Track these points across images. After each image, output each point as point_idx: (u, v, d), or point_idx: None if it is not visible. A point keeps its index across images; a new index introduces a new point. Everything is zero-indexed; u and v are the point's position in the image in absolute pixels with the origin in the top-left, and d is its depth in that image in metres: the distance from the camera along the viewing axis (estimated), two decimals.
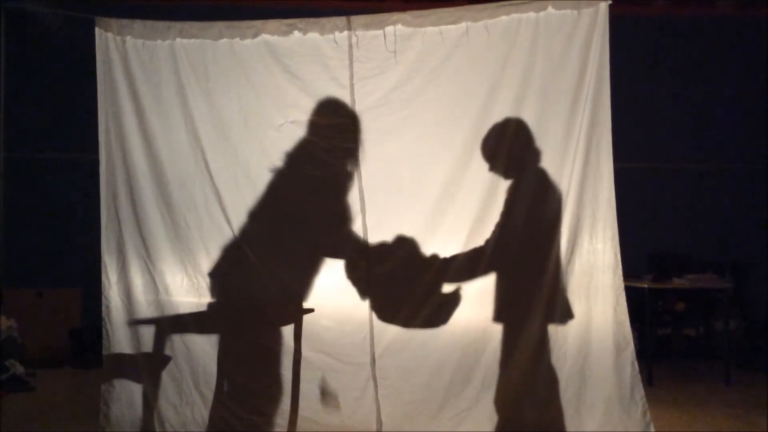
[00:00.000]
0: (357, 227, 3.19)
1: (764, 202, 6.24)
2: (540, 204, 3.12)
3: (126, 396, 3.18)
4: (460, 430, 3.11)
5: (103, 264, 3.22)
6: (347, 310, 3.19)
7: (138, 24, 3.24)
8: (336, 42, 3.19)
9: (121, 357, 3.18)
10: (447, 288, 3.16)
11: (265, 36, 3.21)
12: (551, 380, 3.06)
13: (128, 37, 3.23)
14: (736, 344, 5.72)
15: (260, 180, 3.20)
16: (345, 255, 3.19)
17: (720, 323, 5.67)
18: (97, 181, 3.25)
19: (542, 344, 3.07)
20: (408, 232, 3.20)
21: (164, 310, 3.21)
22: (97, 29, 3.24)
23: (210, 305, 3.19)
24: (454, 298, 3.15)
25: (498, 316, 3.13)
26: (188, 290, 3.20)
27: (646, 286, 5.03)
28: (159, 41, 3.23)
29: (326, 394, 3.15)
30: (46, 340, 5.54)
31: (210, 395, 3.13)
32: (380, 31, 3.18)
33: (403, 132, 3.21)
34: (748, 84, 6.36)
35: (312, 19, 3.20)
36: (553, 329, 3.09)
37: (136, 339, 3.21)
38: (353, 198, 3.20)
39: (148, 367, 3.18)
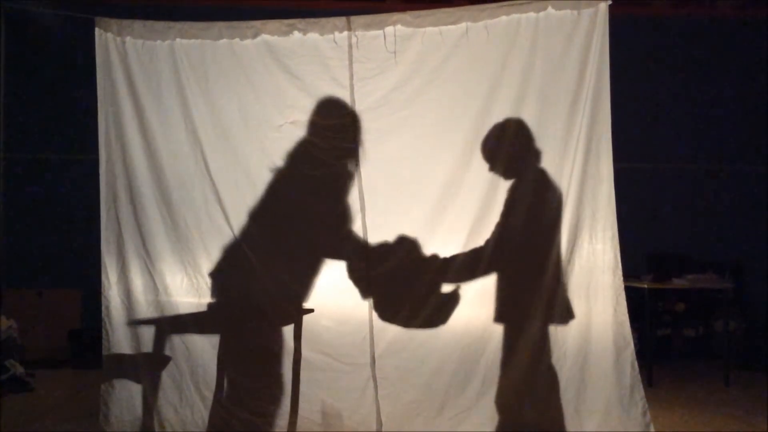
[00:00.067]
0: (357, 227, 3.19)
1: (764, 202, 6.24)
2: (540, 204, 3.12)
3: (126, 396, 3.19)
4: (460, 430, 3.11)
5: (102, 264, 3.23)
6: (347, 310, 3.19)
7: (138, 24, 3.24)
8: (336, 42, 3.19)
9: (120, 357, 3.18)
10: (447, 288, 3.16)
11: (264, 36, 3.21)
12: (551, 380, 3.06)
13: (128, 38, 3.23)
14: (735, 344, 5.71)
15: (260, 180, 3.20)
16: (345, 255, 3.19)
17: (720, 323, 5.67)
18: (97, 181, 3.25)
19: (542, 344, 3.07)
20: (408, 232, 3.20)
21: (164, 310, 3.21)
22: (96, 29, 3.24)
23: (210, 305, 3.18)
24: (454, 298, 3.15)
25: (498, 317, 3.13)
26: (188, 290, 3.20)
27: (645, 286, 5.02)
28: (159, 41, 3.23)
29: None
30: (46, 340, 5.53)
31: (210, 396, 3.13)
32: (380, 32, 3.18)
33: (403, 132, 3.21)
34: (748, 84, 6.37)
35: (312, 20, 3.20)
36: (553, 329, 3.09)
37: (135, 339, 3.21)
38: (353, 198, 3.20)
39: (148, 367, 3.19)
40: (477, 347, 3.14)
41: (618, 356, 3.07)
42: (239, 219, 3.19)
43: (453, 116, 3.20)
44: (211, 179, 3.22)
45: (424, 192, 3.22)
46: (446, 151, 3.20)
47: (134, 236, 3.23)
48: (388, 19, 3.17)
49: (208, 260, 3.20)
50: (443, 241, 3.19)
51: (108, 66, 3.24)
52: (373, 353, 3.18)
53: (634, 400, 3.05)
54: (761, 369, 5.37)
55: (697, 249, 6.10)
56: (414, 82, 3.18)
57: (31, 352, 5.19)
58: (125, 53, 3.23)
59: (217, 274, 3.18)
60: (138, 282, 3.22)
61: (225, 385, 3.12)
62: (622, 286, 3.10)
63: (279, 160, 3.20)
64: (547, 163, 3.13)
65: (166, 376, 3.18)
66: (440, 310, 3.16)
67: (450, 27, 3.15)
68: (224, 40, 3.23)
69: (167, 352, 3.18)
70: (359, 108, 3.19)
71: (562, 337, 3.09)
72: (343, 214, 3.20)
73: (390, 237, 3.20)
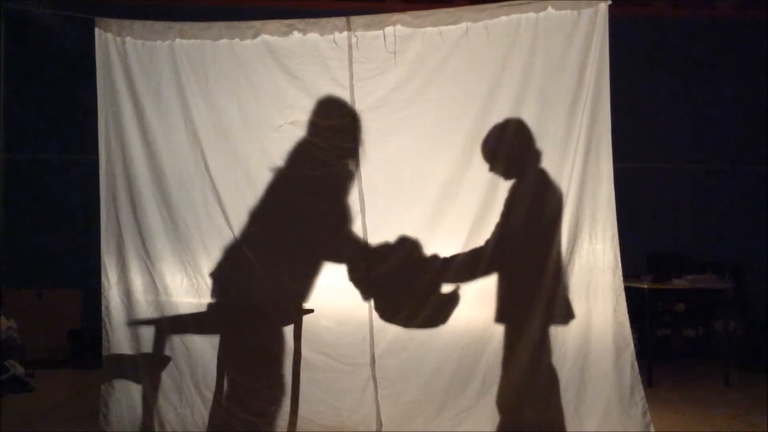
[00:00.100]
0: (357, 228, 3.19)
1: (764, 202, 6.24)
2: (540, 204, 3.11)
3: (126, 397, 3.18)
4: (460, 430, 3.11)
5: (102, 264, 3.22)
6: (347, 310, 3.19)
7: (138, 24, 3.24)
8: (336, 42, 3.18)
9: (120, 358, 3.18)
10: (447, 288, 3.16)
11: (264, 36, 3.21)
12: (551, 381, 3.06)
13: (128, 38, 3.23)
14: (735, 345, 5.72)
15: (260, 180, 3.19)
16: (345, 255, 3.19)
17: (720, 324, 5.68)
18: (97, 181, 3.25)
19: (542, 345, 3.07)
20: (408, 233, 3.20)
21: (164, 310, 3.20)
22: (96, 30, 3.24)
23: (210, 306, 3.18)
24: (454, 299, 3.15)
25: (498, 317, 3.13)
26: (188, 291, 3.20)
27: (645, 286, 5.02)
28: (159, 42, 3.23)
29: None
30: (46, 340, 5.53)
31: (210, 396, 3.13)
32: (380, 32, 3.17)
33: (403, 132, 3.21)
34: (748, 84, 6.37)
35: (312, 20, 3.20)
36: (553, 330, 3.09)
37: (135, 340, 3.20)
38: (353, 198, 3.20)
39: (148, 367, 3.18)
40: (477, 347, 3.14)
41: (618, 356, 3.06)
42: (239, 219, 3.19)
43: (453, 116, 3.20)
44: (211, 179, 3.21)
45: (424, 192, 3.21)
46: (446, 151, 3.20)
47: (134, 236, 3.23)
48: (387, 20, 3.17)
49: (208, 260, 3.20)
50: (443, 241, 3.18)
51: (108, 66, 3.24)
52: (373, 353, 3.18)
53: (634, 400, 3.05)
54: (761, 369, 5.36)
55: (697, 249, 6.11)
56: (414, 83, 3.18)
57: (31, 352, 5.19)
58: (125, 53, 3.23)
59: (217, 275, 3.18)
60: (138, 282, 3.22)
61: (225, 385, 3.11)
62: (622, 286, 3.10)
63: (279, 160, 3.20)
64: (547, 163, 3.13)
65: (166, 376, 3.17)
66: (440, 310, 3.16)
67: (450, 27, 3.15)
68: (224, 41, 3.22)
69: (167, 352, 3.18)
70: (359, 108, 3.19)
71: (562, 338, 3.09)
72: (343, 215, 3.19)
73: (390, 237, 3.20)
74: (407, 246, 3.19)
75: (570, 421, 3.05)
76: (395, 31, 3.16)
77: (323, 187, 3.23)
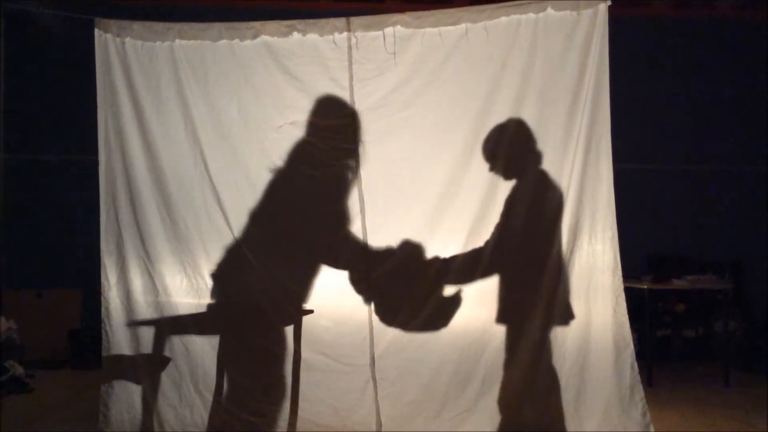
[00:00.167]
0: (356, 228, 3.19)
1: (764, 202, 6.24)
2: (540, 204, 3.11)
3: (125, 397, 3.18)
4: (460, 431, 3.11)
5: (102, 265, 3.22)
6: (347, 311, 3.19)
7: (137, 25, 3.24)
8: (335, 43, 3.18)
9: (120, 358, 3.18)
10: (447, 290, 3.16)
11: (264, 37, 3.21)
12: (551, 381, 3.06)
13: (127, 39, 3.23)
14: (735, 345, 5.72)
15: (260, 181, 3.19)
16: (345, 256, 3.19)
17: (720, 324, 5.67)
18: (97, 181, 3.25)
19: (542, 345, 3.07)
20: (408, 233, 3.20)
21: (164, 311, 3.20)
22: (96, 30, 3.24)
23: (209, 306, 3.18)
24: (455, 300, 3.15)
25: (498, 317, 3.13)
26: (187, 291, 3.20)
27: (645, 287, 5.02)
28: (158, 42, 3.23)
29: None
30: (46, 341, 5.53)
31: (209, 396, 3.13)
32: (380, 33, 3.17)
33: (403, 133, 3.21)
34: (748, 84, 6.37)
35: (311, 21, 3.20)
36: (553, 330, 3.09)
37: (135, 340, 3.20)
38: (353, 199, 3.20)
39: (148, 368, 3.18)
40: (477, 348, 3.14)
41: (618, 357, 3.07)
42: (239, 220, 3.19)
43: (453, 117, 3.20)
44: (211, 180, 3.21)
45: (424, 192, 3.21)
46: (446, 151, 3.20)
47: (134, 237, 3.23)
48: (387, 20, 3.17)
49: (207, 261, 3.20)
50: (443, 241, 3.18)
51: (108, 67, 3.24)
52: (373, 354, 3.18)
53: (633, 400, 3.05)
54: (761, 369, 5.37)
55: (697, 249, 6.11)
56: (414, 83, 3.18)
57: (31, 352, 5.19)
58: (125, 54, 3.23)
59: (216, 275, 3.18)
60: (138, 283, 3.22)
61: (225, 385, 3.11)
62: (622, 286, 3.10)
63: (279, 160, 3.19)
64: (547, 164, 3.13)
65: (165, 376, 3.17)
66: (441, 311, 3.16)
67: (449, 28, 3.15)
68: (224, 41, 3.22)
69: (167, 352, 3.18)
70: (359, 109, 3.19)
71: (562, 338, 3.09)
72: (342, 215, 3.19)
73: (390, 238, 3.19)
74: (407, 246, 3.19)
75: (570, 421, 3.05)
76: (395, 32, 3.16)
77: (323, 188, 3.22)
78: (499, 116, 3.15)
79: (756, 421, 4.02)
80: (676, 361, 5.80)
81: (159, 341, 3.17)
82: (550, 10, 3.11)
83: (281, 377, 3.11)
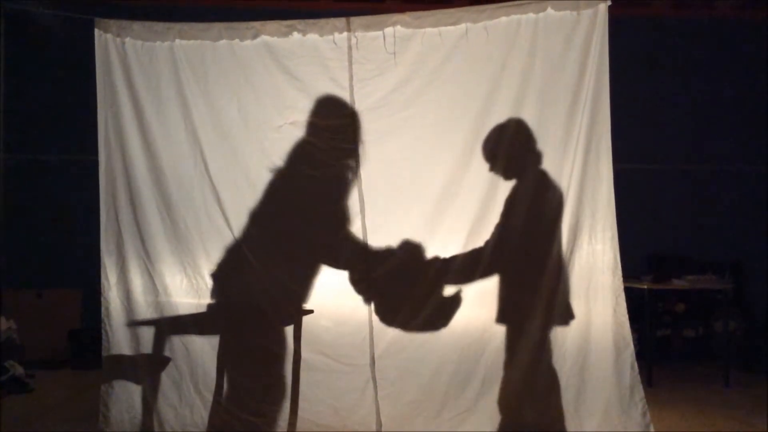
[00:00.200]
0: (356, 228, 3.19)
1: (764, 202, 6.24)
2: (540, 204, 3.11)
3: (125, 397, 3.18)
4: (461, 431, 3.11)
5: (102, 265, 3.22)
6: (347, 311, 3.19)
7: (137, 25, 3.24)
8: (335, 43, 3.18)
9: (120, 358, 3.18)
10: (447, 290, 3.16)
11: (264, 37, 3.21)
12: (551, 381, 3.06)
13: (127, 39, 3.23)
14: (735, 345, 5.72)
15: (260, 181, 3.19)
16: (345, 256, 3.19)
17: (720, 324, 5.68)
18: (97, 181, 3.25)
19: (542, 345, 3.07)
20: (408, 233, 3.20)
21: (164, 311, 3.20)
22: (96, 30, 3.24)
23: (209, 306, 3.18)
24: (455, 300, 3.15)
25: (498, 317, 3.13)
26: (187, 291, 3.20)
27: (645, 287, 5.02)
28: (158, 42, 3.23)
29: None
30: (46, 341, 5.53)
31: (209, 396, 3.13)
32: (380, 33, 3.17)
33: (403, 133, 3.21)
34: (748, 84, 6.37)
35: (311, 21, 3.20)
36: (553, 330, 3.09)
37: (135, 340, 3.20)
38: (353, 199, 3.20)
39: (148, 368, 3.18)
40: (477, 348, 3.14)
41: (618, 357, 3.07)
42: (239, 220, 3.19)
43: (453, 117, 3.20)
44: (211, 180, 3.21)
45: (424, 192, 3.21)
46: (446, 151, 3.20)
47: (134, 237, 3.23)
48: (387, 20, 3.17)
49: (207, 261, 3.20)
50: (443, 241, 3.18)
51: (108, 67, 3.24)
52: (373, 354, 3.18)
53: (633, 400, 3.05)
54: (761, 369, 5.37)
55: (697, 249, 6.11)
56: (414, 83, 3.18)
57: (31, 352, 5.20)
58: (125, 54, 3.23)
59: (216, 275, 3.18)
60: (138, 283, 3.22)
61: (225, 385, 3.11)
62: (622, 286, 3.10)
63: (279, 160, 3.19)
64: (547, 164, 3.13)
65: (165, 376, 3.18)
66: (440, 311, 3.16)
67: (449, 28, 3.15)
68: (224, 41, 3.22)
69: (167, 352, 3.18)
70: (359, 109, 3.19)
71: (562, 338, 3.09)
72: (342, 215, 3.19)
73: (390, 238, 3.19)
74: (407, 246, 3.19)
75: (570, 421, 3.05)
76: (395, 32, 3.16)
77: (323, 188, 3.22)
78: (499, 116, 3.15)
79: (756, 421, 4.02)
80: (676, 361, 5.80)
81: (159, 341, 3.17)
82: (550, 10, 3.11)
83: (281, 377, 3.11)
